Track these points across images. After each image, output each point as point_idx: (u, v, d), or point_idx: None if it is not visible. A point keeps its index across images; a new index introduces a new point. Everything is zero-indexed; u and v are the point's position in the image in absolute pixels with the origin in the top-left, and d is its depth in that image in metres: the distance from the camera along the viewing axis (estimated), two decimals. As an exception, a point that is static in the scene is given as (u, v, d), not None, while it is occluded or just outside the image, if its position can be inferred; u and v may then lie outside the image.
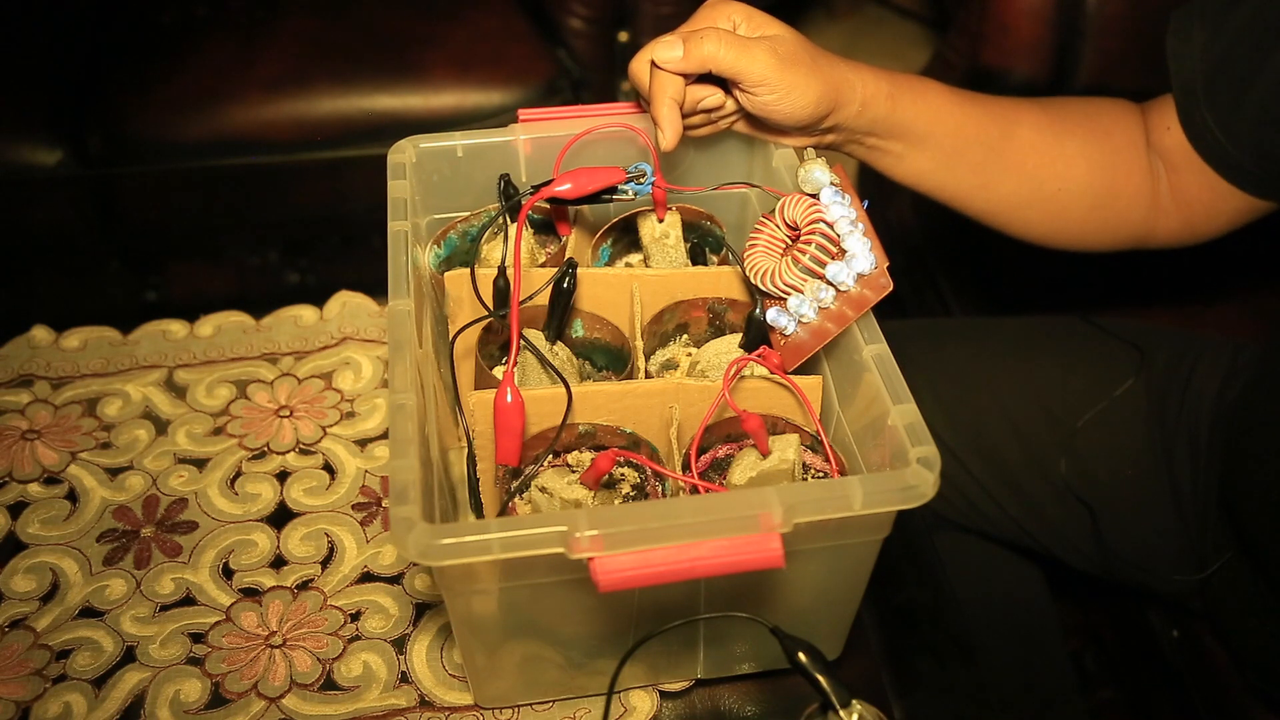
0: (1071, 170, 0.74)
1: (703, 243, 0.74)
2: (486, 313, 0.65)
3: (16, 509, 0.75)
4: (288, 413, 0.81)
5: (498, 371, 0.67)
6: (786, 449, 0.60)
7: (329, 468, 0.78)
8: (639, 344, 0.67)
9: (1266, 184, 0.74)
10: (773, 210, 0.64)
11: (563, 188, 0.65)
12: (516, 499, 0.62)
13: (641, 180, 0.66)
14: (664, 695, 0.65)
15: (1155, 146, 0.76)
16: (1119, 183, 0.75)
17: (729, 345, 0.67)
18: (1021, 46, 1.22)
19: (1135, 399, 0.89)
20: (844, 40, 2.52)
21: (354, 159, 1.32)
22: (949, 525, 0.98)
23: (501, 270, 0.66)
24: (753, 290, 0.64)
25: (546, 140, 0.71)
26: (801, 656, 0.51)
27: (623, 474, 0.63)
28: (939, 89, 0.69)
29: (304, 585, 0.70)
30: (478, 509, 0.64)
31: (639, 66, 0.65)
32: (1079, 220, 0.77)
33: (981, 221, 0.76)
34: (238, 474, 0.77)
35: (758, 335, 0.65)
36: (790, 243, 0.64)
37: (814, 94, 0.62)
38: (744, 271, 0.64)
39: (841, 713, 0.50)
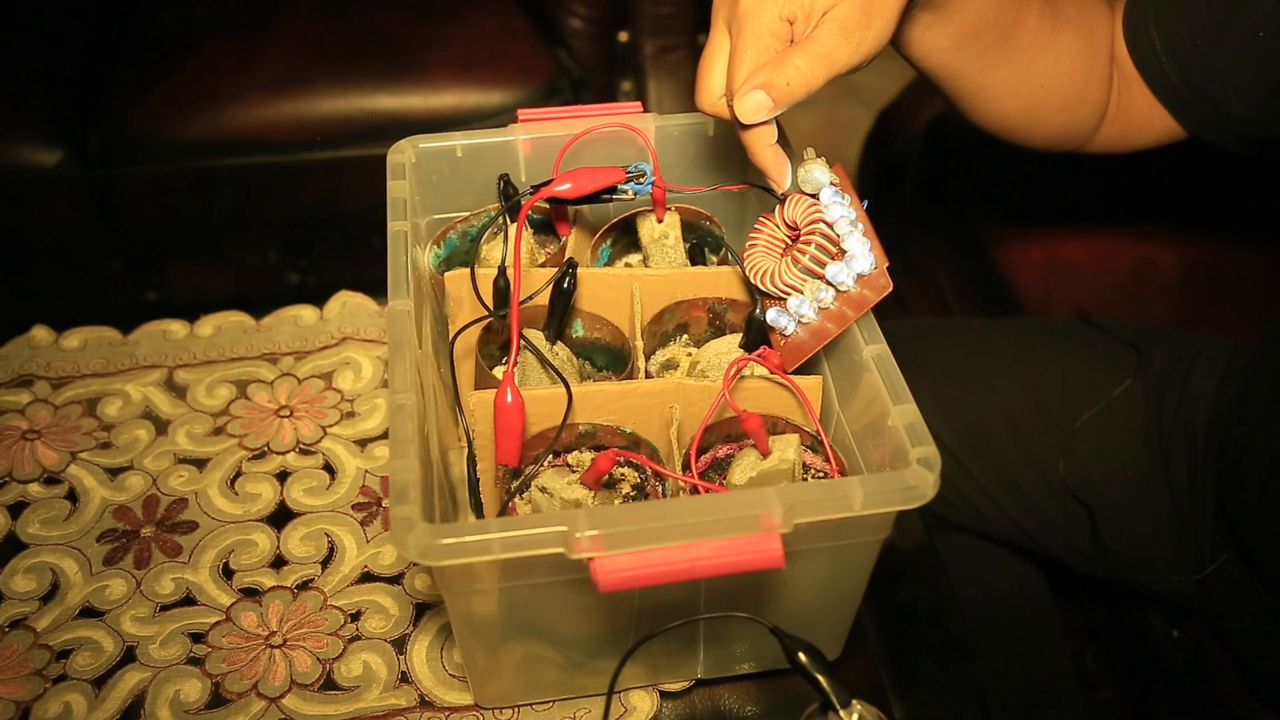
0: (1058, 67, 0.73)
1: (702, 243, 0.74)
2: (486, 313, 0.65)
3: (16, 509, 0.75)
4: (288, 413, 0.81)
5: (498, 371, 0.67)
6: (786, 449, 0.60)
7: (329, 468, 0.78)
8: (639, 344, 0.67)
9: (1187, 108, 0.73)
10: (772, 210, 0.64)
11: (562, 188, 0.65)
12: (516, 499, 0.62)
13: (641, 180, 0.66)
14: (664, 695, 0.65)
15: (1115, 55, 0.75)
16: (1090, 87, 0.75)
17: (729, 345, 0.67)
18: None
19: (1133, 399, 0.89)
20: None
21: (354, 159, 1.32)
22: (949, 525, 0.98)
23: (501, 270, 0.66)
24: (753, 290, 0.64)
25: (546, 140, 0.71)
26: (801, 656, 0.51)
27: (623, 474, 0.63)
28: None
29: (304, 585, 0.71)
30: (478, 509, 0.64)
31: (711, 102, 0.60)
32: (1045, 119, 0.76)
33: (956, 102, 0.75)
34: (238, 474, 0.77)
35: (758, 335, 0.65)
36: (790, 243, 0.64)
37: (890, 28, 0.58)
38: (744, 271, 0.64)
39: (841, 713, 0.50)
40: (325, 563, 0.72)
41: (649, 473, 0.63)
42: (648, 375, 0.66)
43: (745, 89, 0.56)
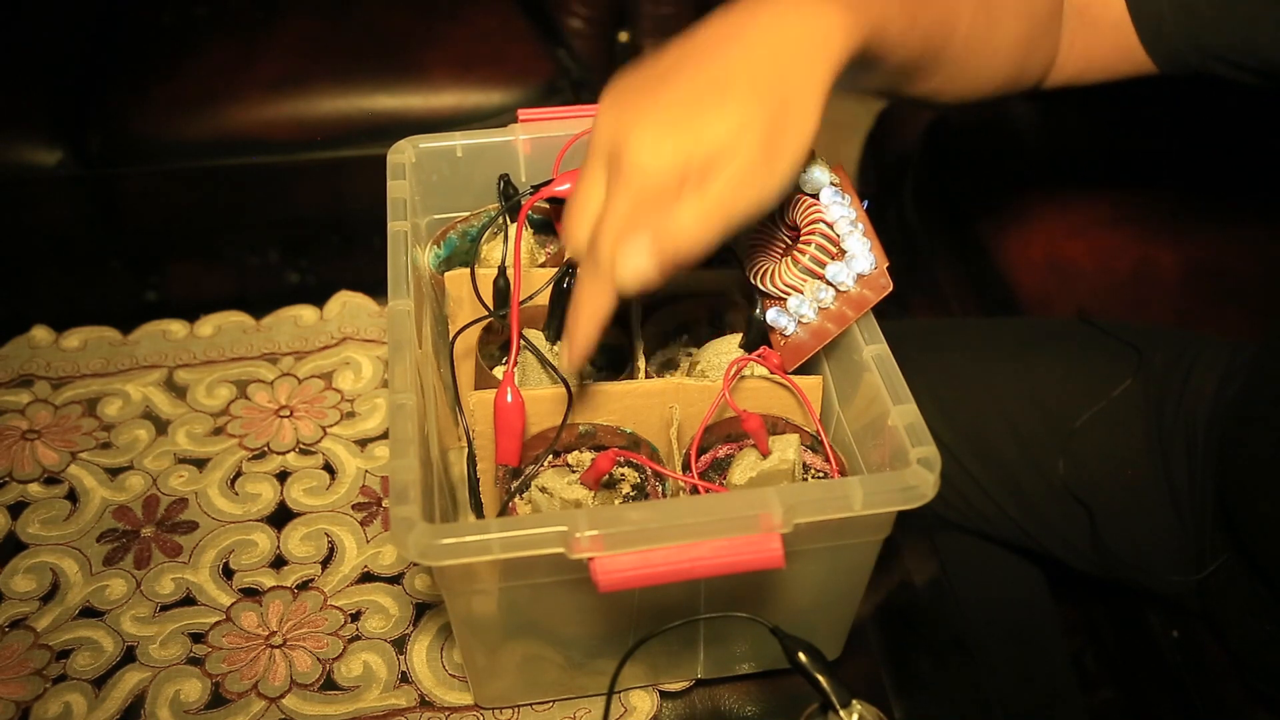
0: (996, 58, 0.69)
1: (703, 243, 0.74)
2: (486, 313, 0.66)
3: (16, 509, 0.75)
4: (288, 413, 0.81)
5: (498, 371, 0.67)
6: (786, 449, 0.60)
7: (329, 468, 0.78)
8: (639, 344, 0.67)
9: (1170, 49, 0.70)
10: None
11: (562, 188, 0.65)
12: (516, 499, 0.62)
13: (641, 180, 0.66)
14: (664, 695, 0.65)
15: (1077, 4, 0.71)
16: (1034, 58, 0.71)
17: (729, 345, 0.67)
18: None
19: (1133, 399, 0.89)
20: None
21: (354, 159, 1.32)
22: (949, 525, 0.98)
23: (501, 270, 0.66)
24: (752, 290, 0.64)
25: (546, 140, 0.71)
26: (801, 656, 0.51)
27: (623, 474, 0.63)
28: (895, 15, 0.59)
29: (304, 585, 0.71)
30: (478, 509, 0.64)
31: (580, 233, 0.51)
32: (986, 91, 0.71)
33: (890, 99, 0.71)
34: (238, 474, 0.77)
35: (758, 335, 0.65)
36: (790, 243, 0.64)
37: (798, 165, 0.51)
38: (744, 271, 0.64)
39: (841, 713, 0.50)
40: (325, 563, 0.72)
41: (649, 473, 0.63)
42: (648, 375, 0.66)
43: (628, 245, 0.48)
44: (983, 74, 0.69)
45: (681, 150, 0.48)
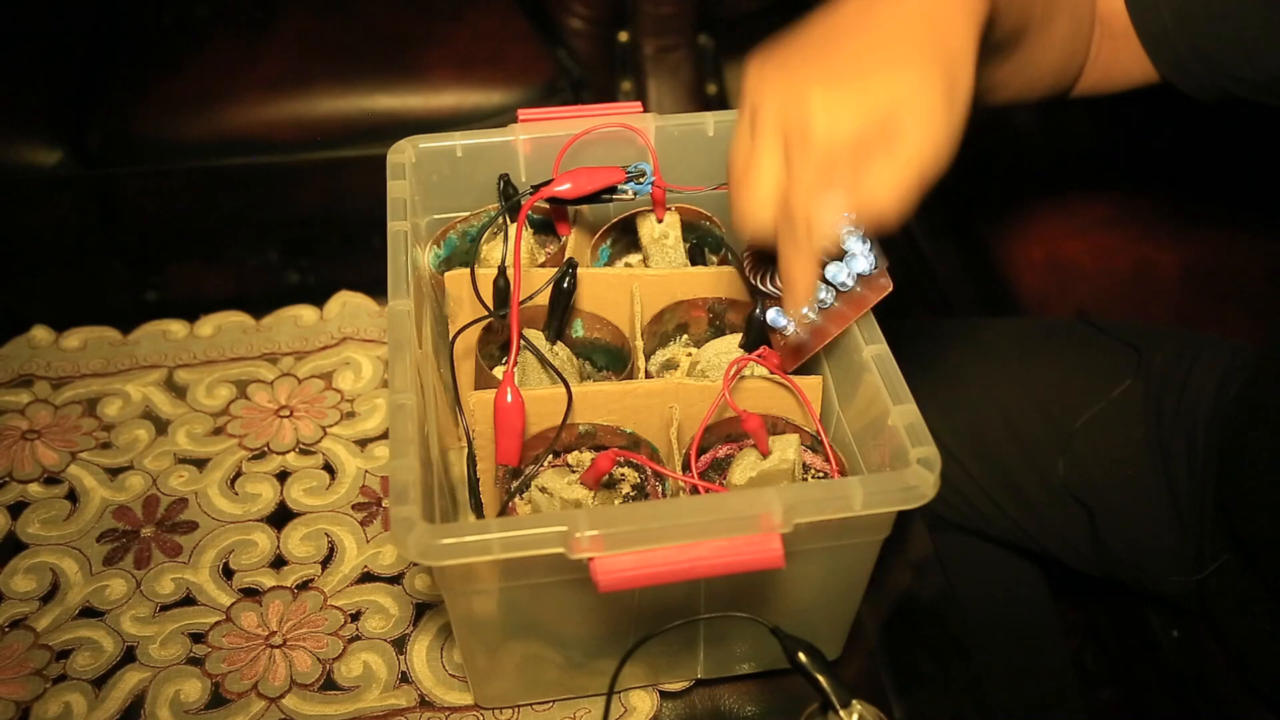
0: (1050, 53, 0.69)
1: (702, 243, 0.74)
2: (486, 313, 0.66)
3: (16, 509, 0.75)
4: (288, 413, 0.81)
5: (498, 371, 0.67)
6: (786, 449, 0.60)
7: (329, 468, 0.78)
8: (639, 344, 0.67)
9: (1174, 57, 0.70)
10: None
11: (562, 188, 0.65)
12: (516, 499, 0.62)
13: (641, 180, 0.66)
14: (664, 695, 0.65)
15: (1100, 12, 0.72)
16: (1074, 59, 0.72)
17: (729, 345, 0.67)
18: None
19: (1133, 399, 0.89)
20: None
21: (354, 159, 1.32)
22: (949, 525, 0.98)
23: (501, 270, 0.66)
24: (752, 290, 0.64)
25: (546, 140, 0.71)
26: (801, 656, 0.51)
27: (623, 474, 0.63)
28: None
29: (304, 585, 0.71)
30: (478, 509, 0.64)
31: (763, 211, 0.52)
32: (1036, 89, 0.72)
33: None
34: (238, 474, 0.77)
35: (758, 335, 0.65)
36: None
37: (970, 97, 0.52)
38: (744, 271, 0.64)
39: (841, 713, 0.50)
40: (325, 563, 0.72)
41: (649, 473, 0.63)
42: (648, 375, 0.66)
43: (826, 208, 0.50)
44: (1041, 67, 0.69)
45: (863, 110, 0.49)
